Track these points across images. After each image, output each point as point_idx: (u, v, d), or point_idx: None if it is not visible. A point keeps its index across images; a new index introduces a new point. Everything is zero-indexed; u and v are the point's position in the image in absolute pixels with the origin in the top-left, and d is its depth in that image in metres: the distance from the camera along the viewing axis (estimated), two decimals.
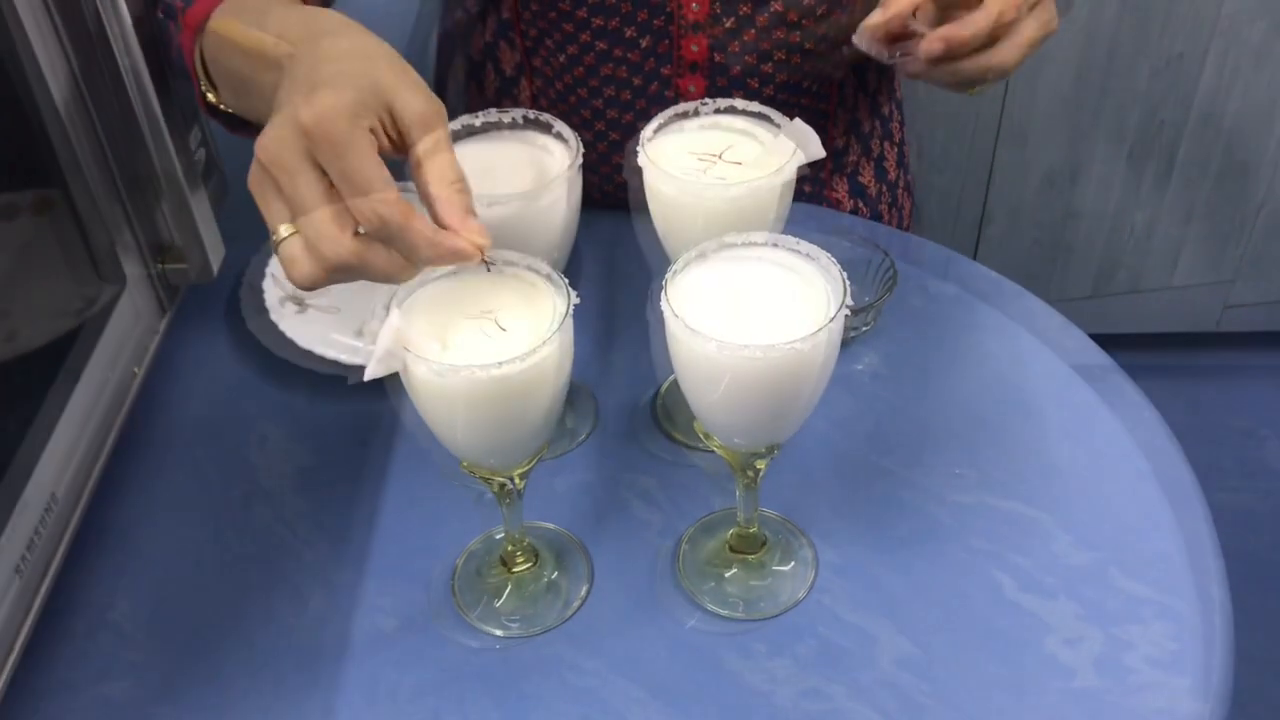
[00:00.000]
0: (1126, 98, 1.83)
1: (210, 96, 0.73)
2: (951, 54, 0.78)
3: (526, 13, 0.90)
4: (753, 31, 0.92)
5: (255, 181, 0.60)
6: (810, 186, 1.08)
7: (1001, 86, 1.80)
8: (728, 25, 0.91)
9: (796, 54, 0.96)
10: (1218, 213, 1.97)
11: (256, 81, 0.65)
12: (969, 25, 0.78)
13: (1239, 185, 1.93)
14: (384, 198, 0.58)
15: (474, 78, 1.04)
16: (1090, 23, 1.73)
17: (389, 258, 0.60)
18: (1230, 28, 1.76)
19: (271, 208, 0.60)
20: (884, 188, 1.12)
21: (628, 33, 0.91)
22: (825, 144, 0.78)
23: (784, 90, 0.99)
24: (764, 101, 0.78)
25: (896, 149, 1.14)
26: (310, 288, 0.61)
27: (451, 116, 1.08)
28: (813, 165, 1.02)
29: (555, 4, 0.90)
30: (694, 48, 0.94)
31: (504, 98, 1.04)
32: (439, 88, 1.12)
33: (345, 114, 0.58)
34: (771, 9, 0.91)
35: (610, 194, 0.77)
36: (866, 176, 1.11)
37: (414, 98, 0.61)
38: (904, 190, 1.16)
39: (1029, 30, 0.81)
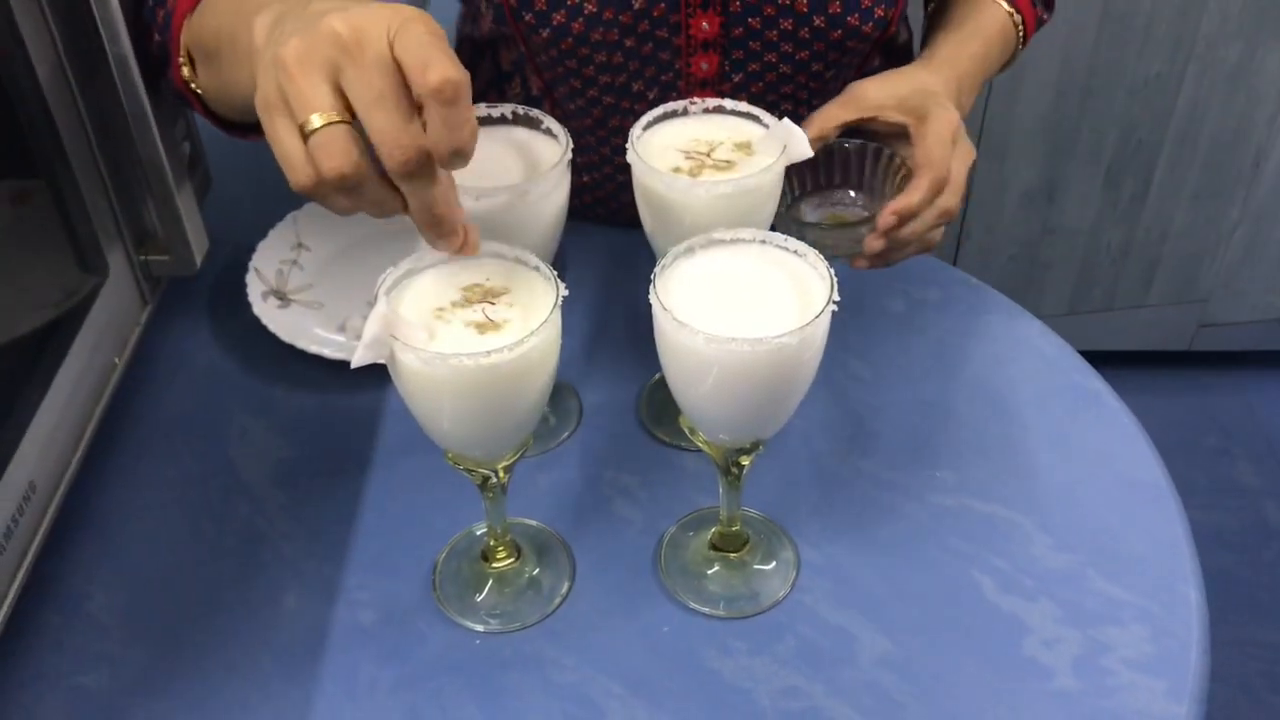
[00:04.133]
0: (1104, 117, 1.85)
1: (185, 71, 0.74)
2: (904, 222, 0.81)
3: (543, 57, 0.90)
4: (760, 85, 0.92)
5: (271, 89, 0.57)
6: None
7: (981, 103, 1.82)
8: (735, 81, 0.92)
9: (804, 106, 0.95)
10: (1193, 232, 1.99)
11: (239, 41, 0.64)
12: (914, 191, 0.81)
13: (1214, 205, 1.95)
14: (414, 130, 0.55)
15: (496, 87, 1.04)
16: (1069, 43, 1.75)
17: (386, 193, 0.58)
18: (1207, 49, 1.78)
19: (297, 100, 0.56)
20: None
21: (635, 87, 0.92)
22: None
23: None
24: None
25: None
26: (307, 191, 0.58)
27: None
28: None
29: (563, 60, 0.90)
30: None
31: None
32: None
33: (381, 28, 0.55)
34: (780, 71, 0.91)
35: (618, 211, 0.77)
36: None
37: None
38: None
39: (959, 171, 0.85)
